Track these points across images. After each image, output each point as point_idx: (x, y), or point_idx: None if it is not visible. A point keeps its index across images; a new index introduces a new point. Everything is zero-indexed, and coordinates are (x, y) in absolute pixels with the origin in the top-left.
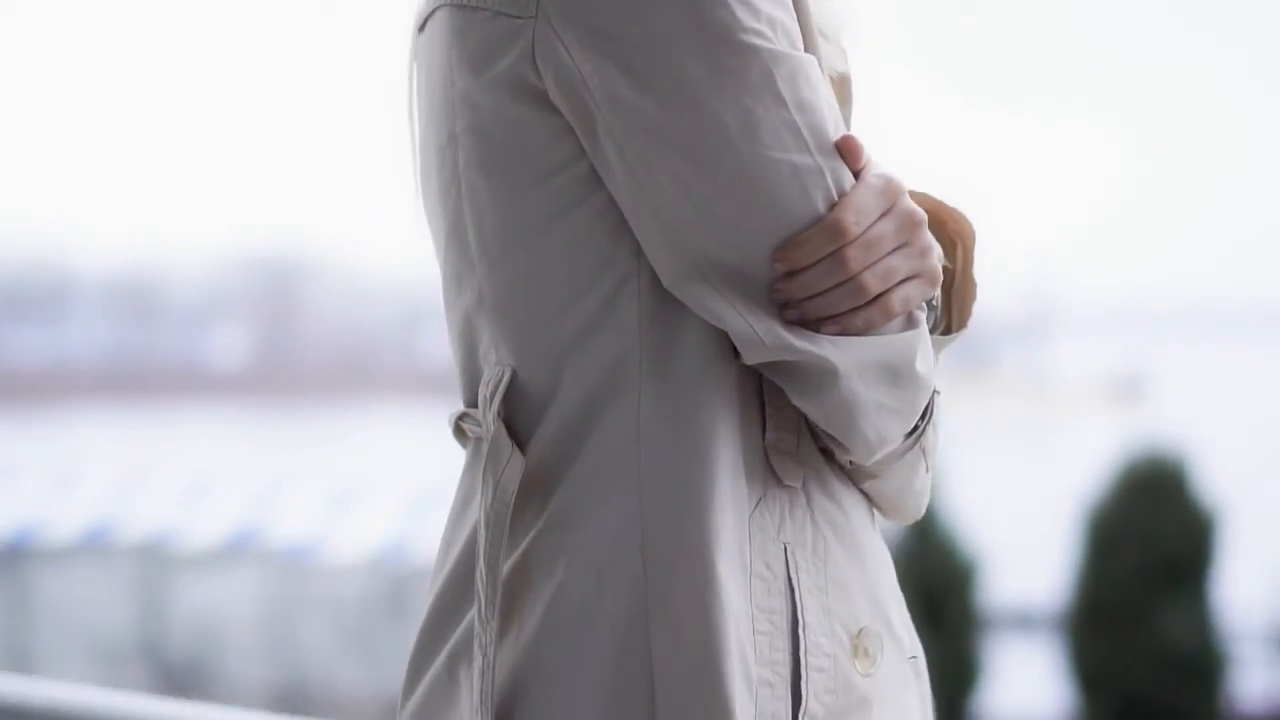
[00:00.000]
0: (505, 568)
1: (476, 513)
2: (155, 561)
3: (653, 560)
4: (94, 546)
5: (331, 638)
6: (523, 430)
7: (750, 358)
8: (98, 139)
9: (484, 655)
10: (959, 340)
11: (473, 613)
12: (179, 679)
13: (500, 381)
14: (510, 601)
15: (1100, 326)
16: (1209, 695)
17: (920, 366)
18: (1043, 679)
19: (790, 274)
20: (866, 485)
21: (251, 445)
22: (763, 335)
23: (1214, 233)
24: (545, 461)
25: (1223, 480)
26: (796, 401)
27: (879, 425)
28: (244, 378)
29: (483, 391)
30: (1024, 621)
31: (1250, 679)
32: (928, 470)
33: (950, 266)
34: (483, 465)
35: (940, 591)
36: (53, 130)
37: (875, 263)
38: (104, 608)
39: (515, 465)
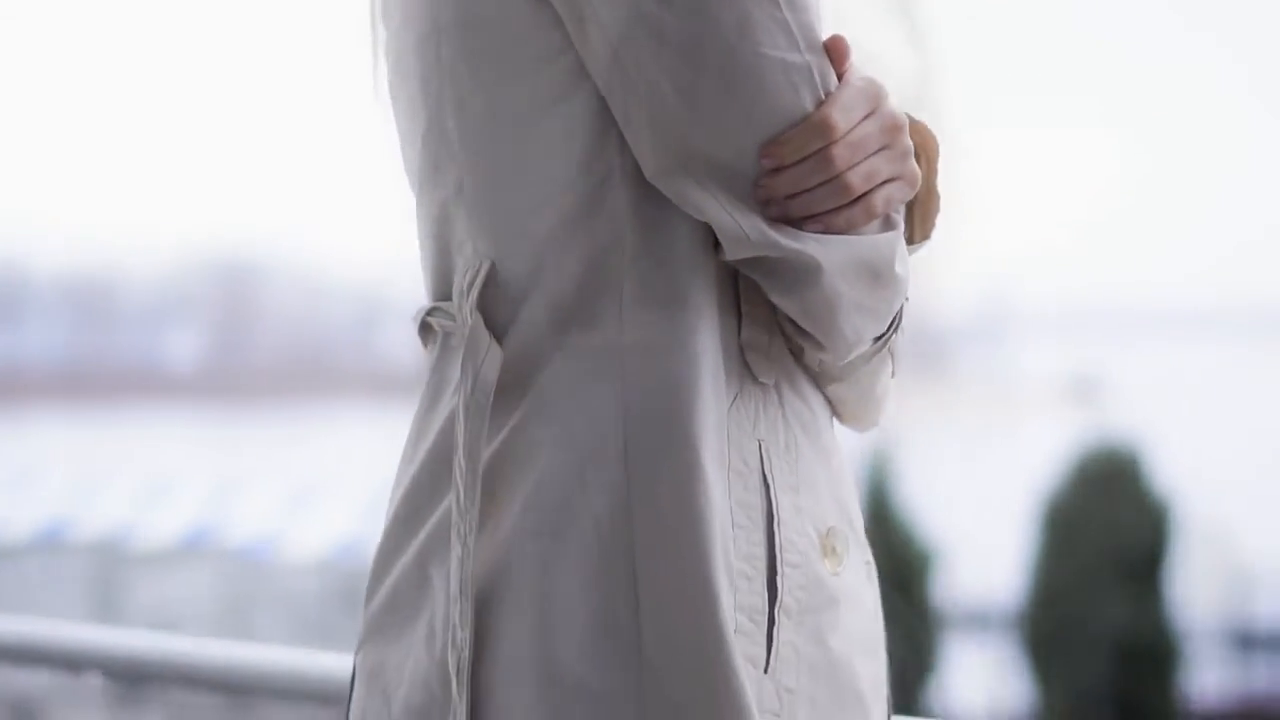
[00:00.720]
0: (485, 458)
1: (447, 407)
2: (111, 560)
3: (636, 452)
4: (50, 545)
5: (288, 636)
6: (500, 323)
7: (734, 253)
8: (51, 140)
9: (463, 545)
10: (922, 250)
11: (446, 506)
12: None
13: (478, 273)
14: (488, 494)
15: (1077, 325)
16: (1163, 689)
17: (899, 268)
18: (998, 671)
19: (775, 170)
20: (831, 389)
21: (208, 445)
22: (748, 231)
23: (1206, 235)
24: (523, 353)
25: (1181, 478)
26: (776, 299)
27: (857, 324)
28: (201, 377)
29: (458, 283)
30: (979, 615)
31: (1205, 675)
32: (892, 375)
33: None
34: (460, 358)
35: (896, 584)
36: (5, 129)
37: (859, 163)
38: (59, 606)
39: (494, 356)
